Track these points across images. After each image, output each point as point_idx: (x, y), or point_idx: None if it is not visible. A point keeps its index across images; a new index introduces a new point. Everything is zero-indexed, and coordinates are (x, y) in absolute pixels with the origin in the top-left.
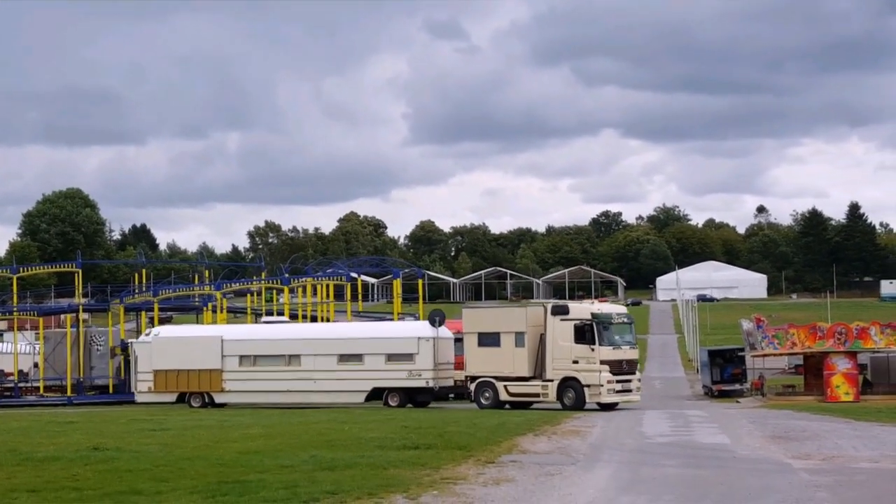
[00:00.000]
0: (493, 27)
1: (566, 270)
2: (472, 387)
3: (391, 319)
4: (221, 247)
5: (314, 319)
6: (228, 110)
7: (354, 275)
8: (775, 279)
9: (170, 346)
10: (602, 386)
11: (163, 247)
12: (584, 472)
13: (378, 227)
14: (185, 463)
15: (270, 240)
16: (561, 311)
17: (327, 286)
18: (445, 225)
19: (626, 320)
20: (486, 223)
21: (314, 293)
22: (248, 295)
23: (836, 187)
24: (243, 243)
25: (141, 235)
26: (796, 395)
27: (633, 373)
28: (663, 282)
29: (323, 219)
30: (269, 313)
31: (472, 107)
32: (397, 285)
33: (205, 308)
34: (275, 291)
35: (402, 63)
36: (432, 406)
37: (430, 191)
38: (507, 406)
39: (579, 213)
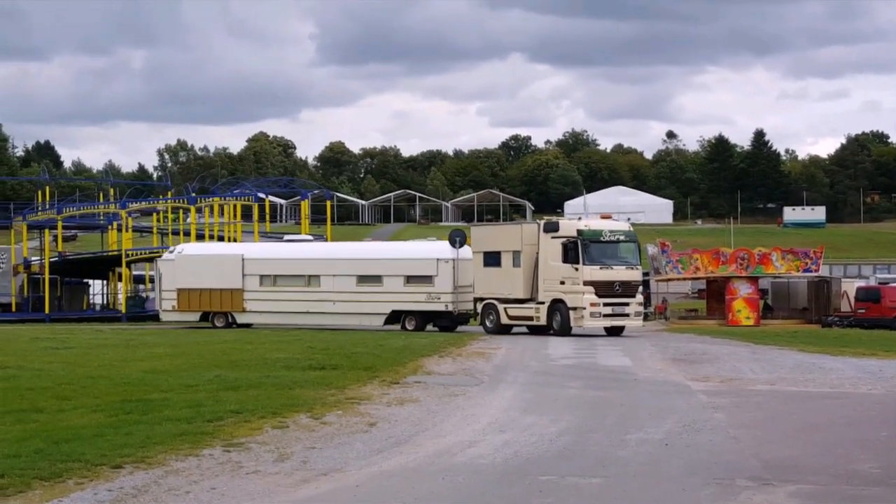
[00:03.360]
0: None
1: (475, 194)
2: (480, 309)
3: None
4: (128, 166)
5: (221, 240)
6: (132, 27)
7: (262, 195)
8: (681, 205)
9: (193, 264)
10: (584, 309)
11: (67, 164)
12: (487, 392)
13: (287, 147)
14: (89, 381)
15: (180, 158)
16: (551, 228)
17: (235, 206)
18: (355, 146)
19: (621, 238)
20: (396, 145)
21: (221, 213)
22: (154, 214)
23: (741, 115)
24: (151, 162)
25: (45, 152)
26: (699, 319)
27: (632, 296)
28: (571, 206)
29: (231, 139)
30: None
31: (379, 27)
32: (305, 206)
33: (109, 226)
34: (181, 211)
35: None
36: (348, 328)
37: (340, 112)
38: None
39: (488, 137)
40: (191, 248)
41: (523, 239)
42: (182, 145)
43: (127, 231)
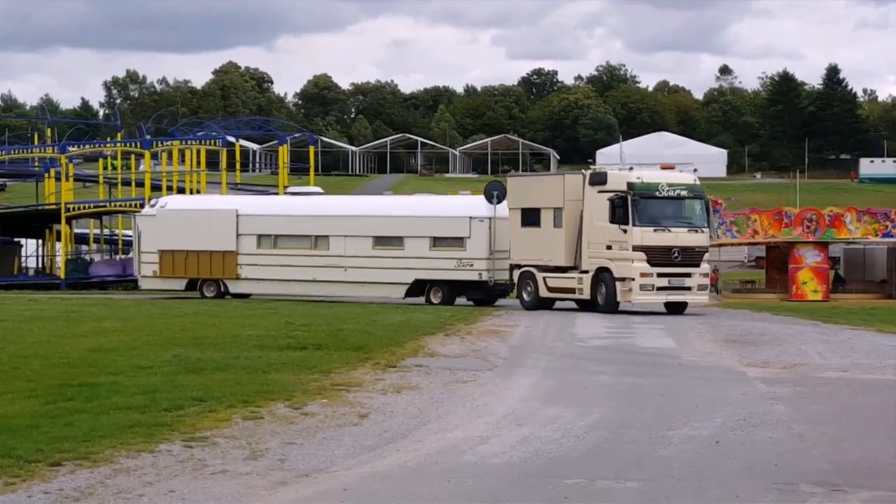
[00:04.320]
0: None
1: (489, 140)
2: (516, 278)
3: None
4: (69, 101)
5: (181, 191)
6: None
7: (232, 139)
8: (737, 155)
9: (178, 220)
10: (633, 280)
11: None
12: (502, 379)
13: (262, 81)
14: (20, 361)
15: (132, 93)
16: (598, 180)
17: (198, 152)
18: (344, 81)
19: (683, 193)
20: (393, 80)
21: (182, 160)
22: (101, 160)
23: (810, 47)
24: (97, 98)
25: None
26: (756, 292)
27: (695, 265)
28: (605, 156)
29: (194, 70)
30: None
31: None
32: (284, 153)
33: (46, 174)
34: (133, 156)
35: None
36: (326, 300)
37: (326, 39)
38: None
39: (505, 72)
40: (175, 201)
41: (566, 193)
42: (133, 77)
43: (67, 180)
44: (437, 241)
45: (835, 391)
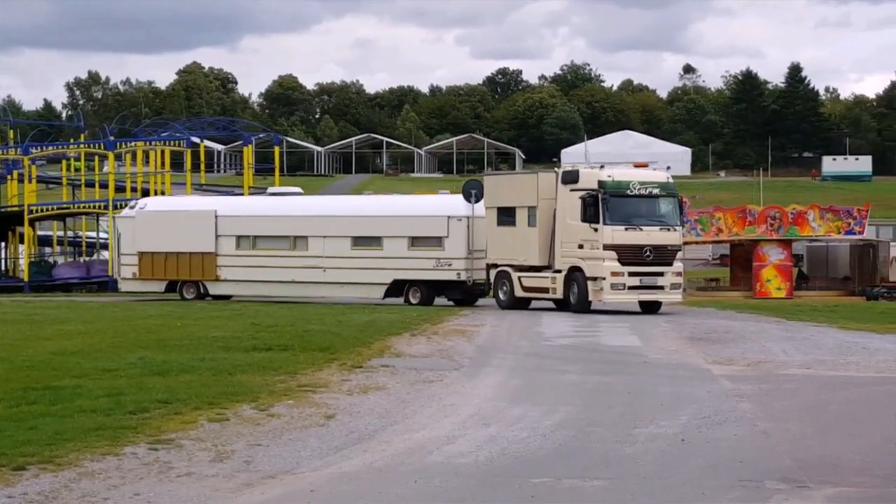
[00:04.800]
0: None
1: (454, 139)
2: (493, 278)
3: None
4: (31, 102)
5: (146, 193)
6: None
7: (196, 139)
8: (701, 153)
9: (157, 221)
10: (604, 279)
11: None
12: (468, 378)
13: (226, 81)
14: None
15: (94, 93)
16: (570, 178)
17: (162, 152)
18: (309, 81)
19: (655, 191)
20: (358, 80)
21: (146, 161)
22: (64, 161)
23: (772, 46)
24: (60, 98)
25: None
26: (721, 290)
27: (667, 263)
28: (569, 155)
29: (158, 71)
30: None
31: None
32: (248, 153)
33: (8, 176)
34: (97, 157)
35: None
36: (302, 301)
37: (290, 39)
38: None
39: (470, 71)
40: (155, 202)
41: (539, 192)
42: (96, 78)
43: (30, 182)
44: (415, 241)
45: (799, 388)
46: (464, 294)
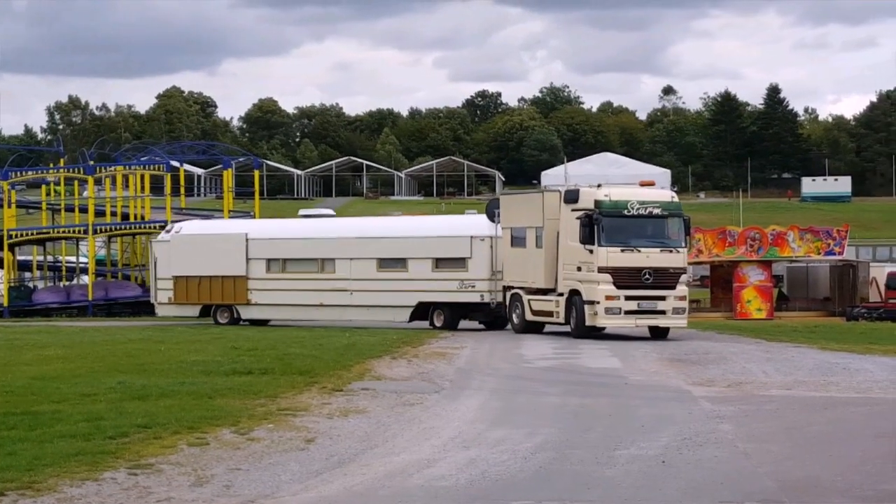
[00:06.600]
0: None
1: (434, 162)
2: (507, 300)
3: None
4: (11, 128)
5: (125, 217)
6: None
7: (176, 163)
8: (681, 175)
9: (191, 245)
10: (598, 303)
11: None
12: (449, 401)
13: (206, 105)
14: None
15: (74, 118)
16: (571, 198)
17: (142, 177)
18: (289, 105)
19: (655, 211)
20: (338, 103)
21: (126, 185)
22: (44, 186)
23: (750, 67)
24: (39, 123)
25: None
26: (701, 311)
27: (669, 286)
28: (550, 177)
29: (138, 95)
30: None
31: None
32: (228, 177)
33: None
34: (77, 182)
35: None
36: (279, 324)
37: (270, 63)
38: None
39: (449, 94)
40: (190, 226)
41: (545, 212)
42: (76, 103)
43: (9, 207)
44: (439, 262)
45: (779, 409)
46: (488, 316)
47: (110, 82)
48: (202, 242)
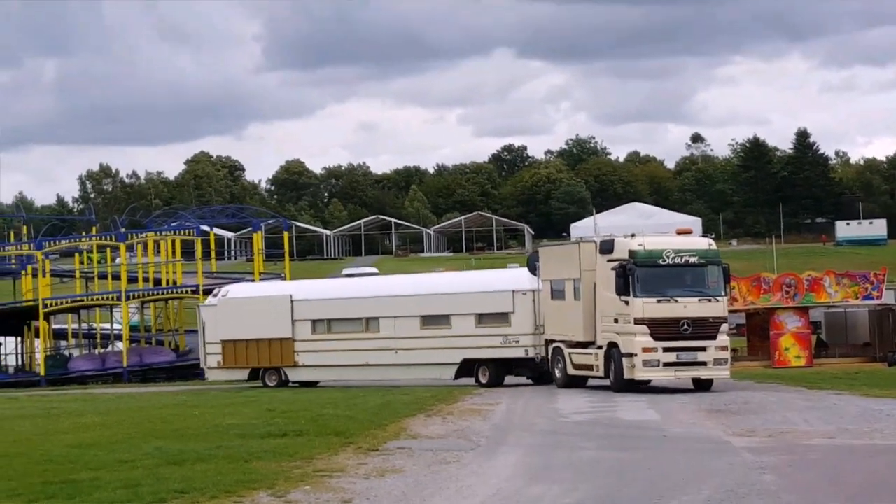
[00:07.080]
0: None
1: (462, 217)
2: (549, 355)
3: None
4: (43, 198)
5: (157, 283)
6: (44, 32)
7: (206, 228)
8: (712, 223)
9: (238, 309)
10: (635, 356)
11: None
12: (485, 458)
13: (234, 169)
14: (3, 461)
15: (105, 186)
16: (607, 248)
17: (173, 242)
18: (316, 166)
19: (692, 260)
20: (364, 163)
21: (157, 251)
22: (77, 255)
23: (777, 112)
24: (71, 192)
25: None
26: (738, 360)
27: (710, 337)
28: (579, 229)
29: (166, 161)
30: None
31: (337, 22)
32: (258, 239)
33: (23, 271)
34: (109, 250)
35: None
36: (303, 386)
37: (295, 125)
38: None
39: (474, 149)
40: (236, 289)
41: (581, 263)
42: (107, 171)
43: (44, 276)
44: (482, 318)
45: (823, 458)
46: (533, 371)
47: (139, 150)
48: (248, 305)
